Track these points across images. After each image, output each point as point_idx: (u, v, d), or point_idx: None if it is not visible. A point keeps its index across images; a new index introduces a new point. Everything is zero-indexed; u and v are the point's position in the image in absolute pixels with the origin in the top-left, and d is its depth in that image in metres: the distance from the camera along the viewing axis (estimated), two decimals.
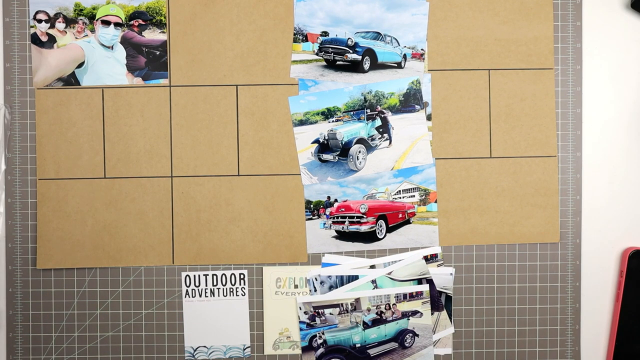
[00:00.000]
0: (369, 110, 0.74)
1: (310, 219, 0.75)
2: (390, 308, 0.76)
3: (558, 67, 0.77)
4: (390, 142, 0.74)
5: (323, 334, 0.76)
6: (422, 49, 0.76)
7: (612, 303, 0.77)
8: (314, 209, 0.75)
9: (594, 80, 0.77)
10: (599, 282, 0.77)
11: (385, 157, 0.74)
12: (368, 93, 0.73)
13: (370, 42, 0.75)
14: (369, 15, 0.76)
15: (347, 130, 0.74)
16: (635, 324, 0.76)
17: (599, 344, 0.78)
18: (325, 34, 0.75)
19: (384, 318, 0.76)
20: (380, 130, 0.74)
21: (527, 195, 0.76)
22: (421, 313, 0.76)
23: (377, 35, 0.76)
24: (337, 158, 0.74)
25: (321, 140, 0.74)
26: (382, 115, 0.74)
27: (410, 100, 0.73)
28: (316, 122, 0.74)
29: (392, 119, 0.74)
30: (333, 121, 0.74)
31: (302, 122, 0.73)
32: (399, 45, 0.76)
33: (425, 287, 0.76)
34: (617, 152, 0.77)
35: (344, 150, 0.74)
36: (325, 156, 0.74)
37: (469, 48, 0.76)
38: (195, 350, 0.76)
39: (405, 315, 0.76)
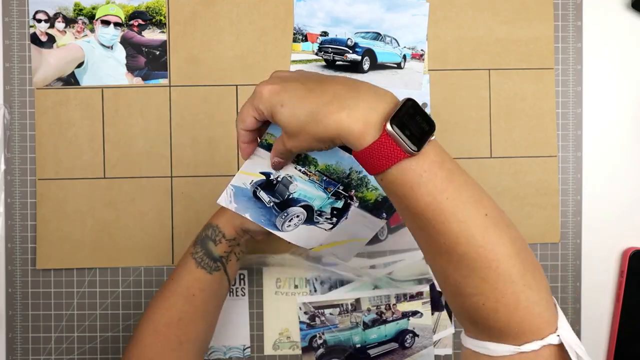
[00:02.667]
0: (340, 187, 0.60)
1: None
2: (390, 308, 0.76)
3: (558, 67, 0.76)
4: (331, 228, 0.61)
5: (323, 334, 0.76)
6: (422, 50, 0.76)
7: (612, 303, 0.77)
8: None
9: (594, 80, 0.77)
10: (599, 282, 0.77)
11: (314, 235, 0.62)
12: (356, 172, 0.59)
13: (370, 43, 0.75)
14: (369, 16, 0.75)
15: (303, 189, 0.59)
16: (636, 324, 0.76)
17: (599, 344, 0.78)
18: (325, 34, 0.75)
19: (384, 318, 0.76)
20: (334, 212, 0.61)
21: (527, 195, 0.76)
22: (421, 313, 0.76)
23: (377, 36, 0.76)
24: (271, 204, 0.60)
25: (271, 178, 0.59)
26: (348, 202, 0.61)
27: (384, 206, 0.61)
28: None
29: (354, 211, 0.61)
30: (300, 170, 0.58)
31: (269, 147, 0.56)
32: (399, 45, 0.76)
33: (425, 287, 0.76)
34: (617, 152, 0.77)
35: (284, 203, 0.59)
36: (262, 194, 0.59)
37: (469, 48, 0.76)
38: None
39: (406, 315, 0.76)
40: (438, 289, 0.76)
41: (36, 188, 0.74)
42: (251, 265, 0.76)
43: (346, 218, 0.61)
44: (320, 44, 0.75)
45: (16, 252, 0.75)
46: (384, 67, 0.76)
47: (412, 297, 0.76)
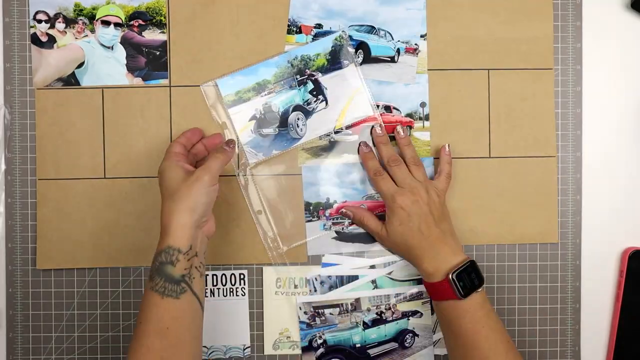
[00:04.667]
0: (298, 76, 0.73)
1: (310, 220, 0.75)
2: (390, 308, 0.76)
3: (558, 67, 0.76)
4: (326, 103, 0.74)
5: (323, 334, 0.76)
6: (416, 44, 0.76)
7: (612, 303, 0.77)
8: (314, 210, 0.75)
9: (594, 80, 0.77)
10: (599, 282, 0.77)
11: (325, 118, 0.74)
12: (294, 59, 0.73)
13: (363, 36, 0.75)
14: (363, 9, 0.75)
15: (281, 101, 0.73)
16: (635, 324, 0.76)
17: (599, 344, 0.78)
18: (319, 26, 0.75)
19: (384, 318, 0.76)
20: (314, 93, 0.73)
21: (527, 195, 0.76)
22: (421, 313, 0.76)
23: (371, 29, 0.76)
24: (277, 130, 0.73)
25: (258, 116, 0.73)
26: (313, 78, 0.73)
27: (338, 57, 0.73)
28: (249, 99, 0.73)
29: (324, 79, 0.73)
30: (265, 94, 0.73)
31: (235, 102, 0.73)
32: (393, 39, 0.76)
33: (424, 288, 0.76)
34: (617, 152, 0.77)
35: (283, 120, 0.73)
36: (266, 130, 0.73)
37: (468, 48, 0.76)
38: None
39: (405, 315, 0.76)
40: None
41: (36, 188, 0.74)
42: (251, 265, 0.76)
43: (326, 88, 0.73)
44: (314, 36, 0.75)
45: (16, 252, 0.75)
46: (377, 60, 0.76)
47: (412, 297, 0.76)
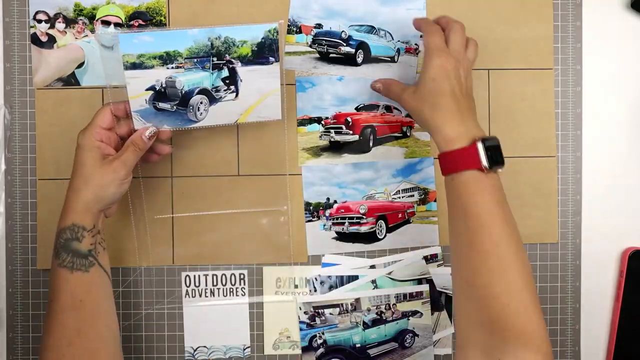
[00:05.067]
0: (215, 59, 0.64)
1: (310, 220, 0.75)
2: (390, 308, 0.76)
3: (558, 67, 0.76)
4: (236, 95, 0.66)
5: (323, 334, 0.76)
6: (416, 44, 0.76)
7: (612, 303, 0.77)
8: (314, 210, 0.75)
9: (594, 80, 0.77)
10: (599, 282, 0.77)
11: (230, 110, 0.67)
12: (216, 39, 0.63)
13: (364, 36, 0.75)
14: (364, 9, 0.75)
15: (188, 79, 0.65)
16: (635, 324, 0.76)
17: (599, 344, 0.78)
18: (319, 26, 0.75)
19: (384, 318, 0.76)
20: (227, 81, 0.66)
21: (526, 195, 0.76)
22: (421, 313, 0.76)
23: (371, 29, 0.76)
24: (175, 108, 0.65)
25: (157, 88, 0.64)
26: (231, 66, 0.65)
27: (265, 51, 0.64)
28: (152, 67, 0.63)
29: (242, 70, 0.65)
30: (173, 67, 0.63)
31: (135, 66, 0.63)
32: (393, 39, 0.76)
33: (425, 287, 0.76)
34: (617, 152, 0.77)
35: (184, 100, 0.65)
36: (162, 105, 0.65)
37: None
38: (195, 351, 0.76)
39: (405, 315, 0.76)
40: (438, 288, 0.76)
41: (36, 188, 0.74)
42: (251, 265, 0.76)
43: (241, 81, 0.65)
44: (315, 36, 0.75)
45: (17, 252, 0.75)
46: (377, 60, 0.76)
47: (412, 297, 0.76)
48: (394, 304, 0.76)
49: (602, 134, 0.77)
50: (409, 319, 0.76)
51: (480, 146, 0.58)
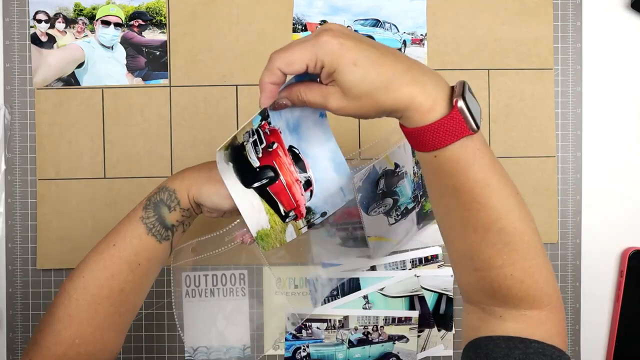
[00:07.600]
0: (421, 193, 0.66)
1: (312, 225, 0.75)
2: (377, 330, 0.75)
3: (558, 67, 0.76)
4: (392, 224, 0.67)
5: (307, 347, 0.75)
6: (421, 34, 0.76)
7: (612, 303, 0.77)
8: None
9: (594, 80, 0.77)
10: (599, 282, 0.77)
11: (379, 224, 0.67)
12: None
13: (369, 30, 0.75)
14: (367, 3, 0.75)
15: (404, 186, 0.66)
16: (635, 324, 0.76)
17: (599, 344, 0.78)
18: (324, 22, 0.75)
19: (370, 339, 0.75)
20: (404, 212, 0.67)
21: (526, 195, 0.76)
22: (407, 338, 0.76)
23: (377, 23, 0.75)
24: (380, 191, 0.64)
25: (396, 170, 0.64)
26: (415, 206, 0.67)
27: (424, 219, 0.68)
28: None
29: (411, 215, 0.68)
30: (414, 169, 0.65)
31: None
32: (399, 31, 0.76)
33: (414, 314, 0.75)
34: (616, 152, 0.77)
35: (387, 191, 0.65)
36: (381, 183, 0.64)
37: (468, 48, 0.76)
38: (195, 351, 0.76)
39: (392, 339, 0.75)
40: (439, 290, 0.76)
41: (36, 188, 0.74)
42: (251, 265, 0.76)
43: (405, 219, 0.65)
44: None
45: (16, 252, 0.75)
46: None
47: (401, 321, 0.75)
48: (381, 326, 0.75)
49: (602, 134, 0.77)
50: (394, 343, 0.76)
51: (463, 106, 0.44)
